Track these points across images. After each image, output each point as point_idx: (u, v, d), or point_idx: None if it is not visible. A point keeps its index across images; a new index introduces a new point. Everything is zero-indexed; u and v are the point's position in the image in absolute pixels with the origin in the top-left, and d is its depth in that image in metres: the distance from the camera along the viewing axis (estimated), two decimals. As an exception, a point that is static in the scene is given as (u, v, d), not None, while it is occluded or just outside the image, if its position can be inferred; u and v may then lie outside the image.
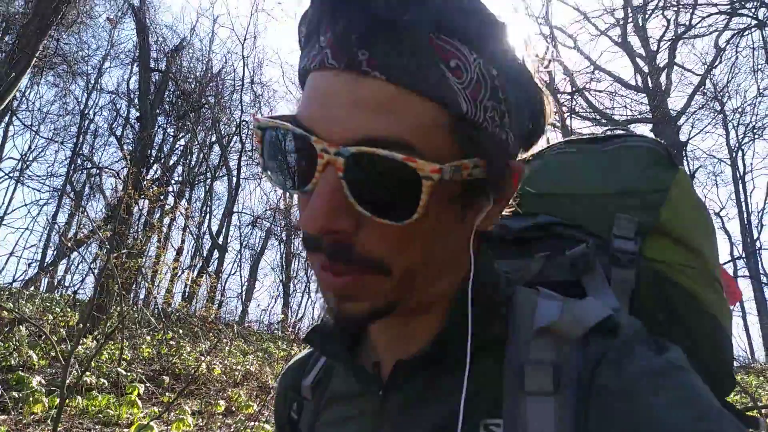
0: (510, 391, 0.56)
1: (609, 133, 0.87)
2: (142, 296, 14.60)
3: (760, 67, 14.96)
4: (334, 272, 0.54)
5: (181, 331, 11.41)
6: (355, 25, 0.49)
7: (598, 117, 15.95)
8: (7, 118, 17.79)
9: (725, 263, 23.63)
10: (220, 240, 20.74)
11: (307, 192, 0.53)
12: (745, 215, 21.83)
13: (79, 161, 21.38)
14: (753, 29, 13.06)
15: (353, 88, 0.50)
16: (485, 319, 0.60)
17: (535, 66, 0.57)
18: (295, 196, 0.59)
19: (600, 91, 16.60)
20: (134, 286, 12.35)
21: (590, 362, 0.55)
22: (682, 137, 15.72)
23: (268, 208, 24.31)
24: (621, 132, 0.87)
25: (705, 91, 15.98)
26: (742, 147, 21.84)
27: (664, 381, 0.51)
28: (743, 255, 21.38)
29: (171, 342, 9.82)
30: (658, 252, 0.75)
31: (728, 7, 12.23)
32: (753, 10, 12.36)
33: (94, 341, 8.19)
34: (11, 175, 19.87)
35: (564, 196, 0.81)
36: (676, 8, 14.19)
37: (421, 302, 0.60)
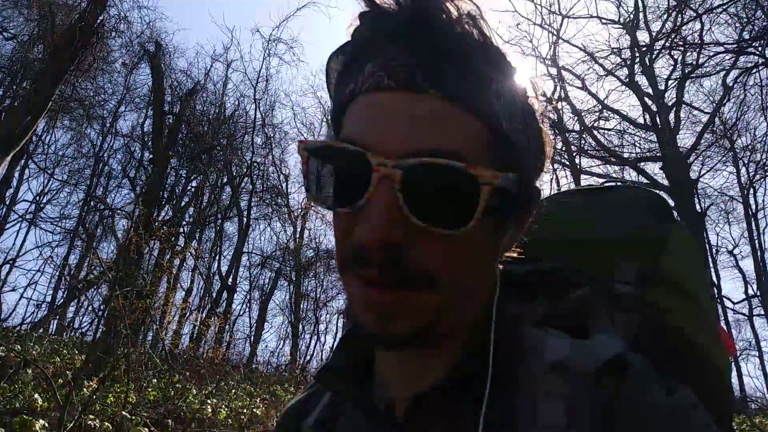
0: (523, 425, 0.57)
1: (607, 184, 0.90)
2: (150, 338, 14.51)
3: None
4: (380, 288, 0.54)
5: (187, 373, 11.28)
6: (414, 48, 0.54)
7: (606, 155, 15.98)
8: (22, 161, 18.14)
9: (740, 302, 23.24)
10: (230, 281, 20.72)
11: (358, 208, 0.54)
12: (759, 253, 21.47)
13: (92, 203, 21.66)
14: (760, 67, 13.18)
15: (410, 105, 0.53)
16: (499, 353, 0.60)
17: (540, 106, 0.61)
18: (330, 219, 0.60)
19: (609, 130, 16.70)
20: (142, 327, 12.29)
21: (603, 398, 0.56)
22: (692, 175, 15.67)
23: (277, 249, 24.33)
24: (620, 183, 0.89)
25: (714, 129, 16.02)
26: (754, 184, 21.67)
27: (679, 419, 0.53)
28: (758, 293, 20.97)
29: (177, 385, 9.69)
30: (659, 298, 0.76)
31: (735, 46, 12.37)
32: (760, 48, 12.48)
33: (99, 384, 8.10)
34: (25, 217, 20.13)
35: (565, 242, 0.83)
36: (682, 48, 14.36)
37: (448, 327, 0.60)
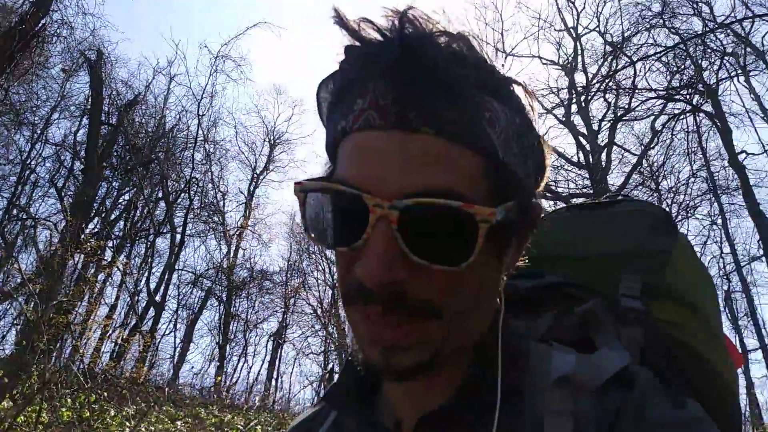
0: None
1: (610, 198, 0.94)
2: (67, 353, 13.86)
3: (693, 149, 16.08)
4: (386, 323, 0.54)
5: (106, 393, 10.84)
6: (401, 85, 0.53)
7: (542, 190, 16.58)
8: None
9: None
10: (158, 298, 20.10)
11: (356, 248, 0.54)
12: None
13: (14, 211, 20.58)
14: (688, 114, 14.10)
15: (403, 145, 0.53)
16: (505, 369, 0.60)
17: (535, 111, 0.61)
18: (329, 254, 0.67)
19: (546, 165, 17.32)
20: (59, 343, 11.77)
21: (609, 413, 0.56)
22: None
23: (210, 267, 23.82)
24: (622, 197, 0.93)
25: (642, 170, 16.86)
26: (676, 225, 22.82)
27: None
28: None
29: (94, 405, 9.31)
30: (664, 312, 0.77)
31: (664, 92, 13.24)
32: (687, 96, 13.44)
33: (11, 402, 7.71)
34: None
35: (569, 257, 0.83)
36: (616, 92, 15.20)
37: (454, 351, 0.60)
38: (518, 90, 0.58)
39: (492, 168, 0.55)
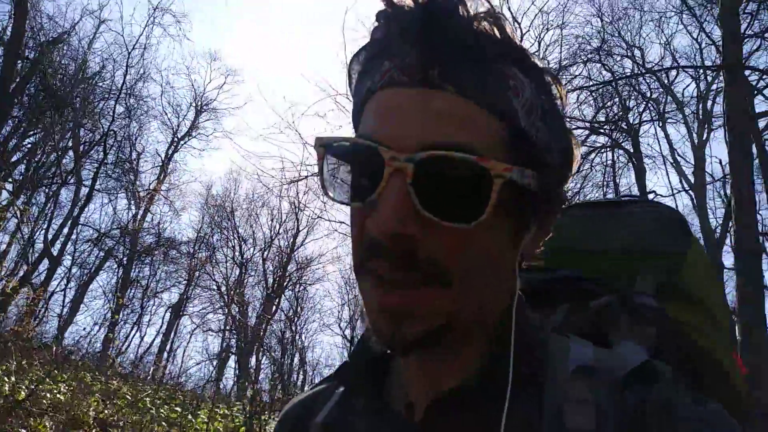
0: (549, 430, 0.55)
1: (625, 198, 1.02)
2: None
3: (607, 182, 17.05)
4: (392, 283, 0.54)
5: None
6: (427, 46, 0.54)
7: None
8: None
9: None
10: (54, 252, 18.88)
11: (371, 202, 0.54)
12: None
13: None
14: (608, 148, 14.72)
15: (424, 100, 0.54)
16: (522, 357, 0.59)
17: (565, 104, 0.61)
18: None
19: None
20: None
21: (631, 406, 0.55)
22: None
23: (115, 227, 22.65)
24: (637, 197, 1.08)
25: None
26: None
27: (711, 428, 0.53)
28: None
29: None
30: (678, 312, 0.77)
31: (589, 124, 14.00)
32: (610, 131, 14.31)
33: None
34: None
35: (586, 252, 0.83)
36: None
37: (469, 326, 0.59)
38: (548, 76, 0.60)
39: (512, 134, 0.55)
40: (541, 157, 0.58)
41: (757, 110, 10.05)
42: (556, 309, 0.75)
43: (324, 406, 0.72)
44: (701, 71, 16.22)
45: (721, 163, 18.91)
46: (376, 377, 0.69)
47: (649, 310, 0.74)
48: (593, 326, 0.71)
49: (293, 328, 24.41)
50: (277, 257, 24.83)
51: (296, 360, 24.46)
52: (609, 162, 15.73)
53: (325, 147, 0.59)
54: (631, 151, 14.82)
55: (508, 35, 0.56)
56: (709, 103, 17.34)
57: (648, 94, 16.30)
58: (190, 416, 9.14)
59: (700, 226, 15.68)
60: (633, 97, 15.99)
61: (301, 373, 24.53)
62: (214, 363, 23.55)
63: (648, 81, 15.94)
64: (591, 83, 13.54)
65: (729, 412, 0.58)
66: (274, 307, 23.22)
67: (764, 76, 12.46)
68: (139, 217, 22.81)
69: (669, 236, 0.84)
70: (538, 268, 0.73)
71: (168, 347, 23.47)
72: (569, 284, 0.78)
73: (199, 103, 25.92)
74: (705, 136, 17.27)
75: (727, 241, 14.99)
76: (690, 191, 17.36)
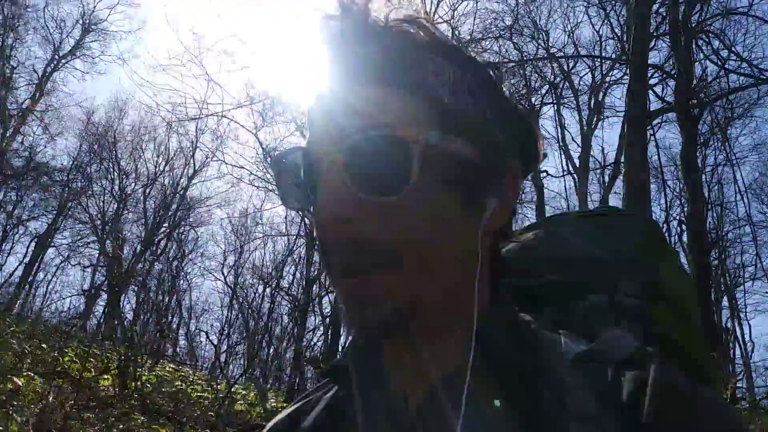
0: (551, 418, 0.54)
1: (603, 209, 0.97)
2: None
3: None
4: (347, 271, 0.56)
5: None
6: (347, 46, 0.60)
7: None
8: None
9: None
10: None
11: (316, 200, 0.58)
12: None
13: None
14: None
15: (346, 95, 0.59)
16: (516, 349, 0.59)
17: (505, 84, 0.66)
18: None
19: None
20: None
21: (629, 388, 0.54)
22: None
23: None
24: (614, 207, 0.95)
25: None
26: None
27: (711, 408, 0.53)
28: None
29: None
30: (660, 313, 0.79)
31: None
32: None
33: None
34: None
35: (567, 260, 0.84)
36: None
37: (439, 312, 0.60)
38: (484, 66, 0.65)
39: (436, 111, 0.58)
40: (475, 129, 0.60)
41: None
42: (543, 311, 0.76)
43: (310, 414, 0.71)
44: (599, 62, 17.48)
45: (603, 151, 20.67)
46: (369, 376, 0.67)
47: (634, 309, 0.77)
48: (582, 326, 0.71)
49: (173, 270, 23.85)
50: (161, 195, 23.92)
51: (173, 302, 23.90)
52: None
53: (277, 163, 0.64)
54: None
55: (432, 34, 0.62)
56: (601, 94, 18.69)
57: (551, 78, 17.43)
58: (57, 353, 8.80)
59: (579, 209, 16.79)
60: (538, 80, 17.07)
61: (178, 315, 24.04)
62: (82, 298, 22.40)
63: (553, 66, 17.03)
64: (501, 60, 14.10)
65: None
66: (154, 247, 22.43)
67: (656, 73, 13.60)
68: (8, 134, 20.81)
69: (647, 243, 0.88)
70: (526, 274, 0.78)
71: (31, 277, 22.01)
72: (556, 288, 0.80)
73: (87, 22, 23.76)
74: (593, 124, 18.59)
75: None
76: (574, 174, 18.70)
